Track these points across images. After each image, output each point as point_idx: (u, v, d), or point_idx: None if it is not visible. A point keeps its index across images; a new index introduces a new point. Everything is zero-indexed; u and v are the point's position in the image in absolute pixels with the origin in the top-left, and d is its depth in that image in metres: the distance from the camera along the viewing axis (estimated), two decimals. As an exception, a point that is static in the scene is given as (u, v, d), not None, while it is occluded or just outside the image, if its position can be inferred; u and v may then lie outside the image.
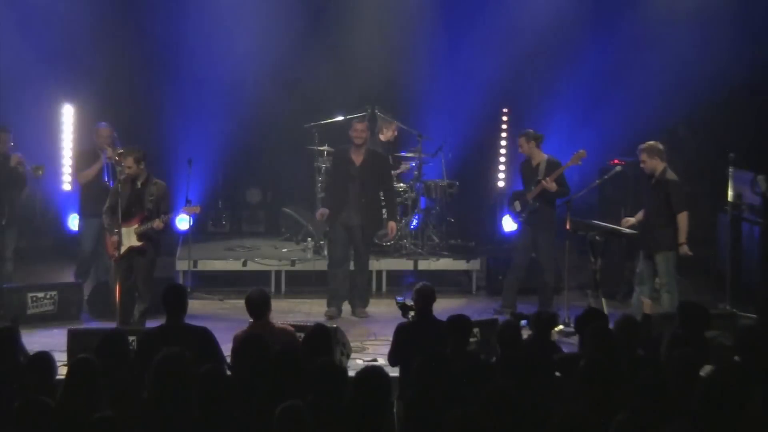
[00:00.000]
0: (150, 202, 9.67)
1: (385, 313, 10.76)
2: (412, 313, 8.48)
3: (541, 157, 10.96)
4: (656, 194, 9.98)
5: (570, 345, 9.60)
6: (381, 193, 11.17)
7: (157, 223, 9.63)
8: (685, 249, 9.85)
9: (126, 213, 9.60)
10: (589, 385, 5.96)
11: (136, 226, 9.63)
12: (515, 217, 11.20)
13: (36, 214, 13.44)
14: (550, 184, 10.61)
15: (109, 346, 6.69)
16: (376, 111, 12.78)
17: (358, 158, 10.86)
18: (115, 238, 9.65)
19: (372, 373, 5.77)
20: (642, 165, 10.03)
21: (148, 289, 9.73)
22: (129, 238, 9.63)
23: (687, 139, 13.30)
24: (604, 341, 6.77)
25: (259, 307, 7.68)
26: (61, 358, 8.45)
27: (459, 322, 7.31)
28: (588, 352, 6.64)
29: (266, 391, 6.00)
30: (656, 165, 9.95)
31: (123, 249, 9.63)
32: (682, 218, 9.85)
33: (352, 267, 11.13)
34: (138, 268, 9.72)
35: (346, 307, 11.07)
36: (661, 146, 9.98)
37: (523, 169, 11.24)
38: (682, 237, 9.83)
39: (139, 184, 9.71)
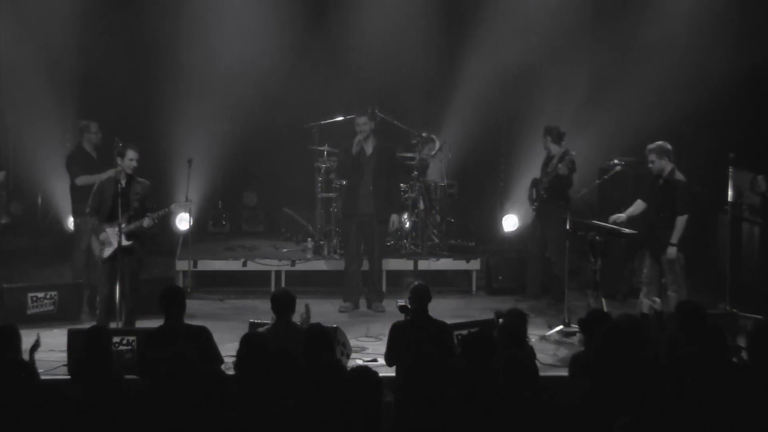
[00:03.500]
0: (136, 200, 9.59)
1: (386, 313, 10.78)
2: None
3: (557, 151, 11.47)
4: (664, 195, 9.95)
5: (570, 345, 9.62)
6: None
7: (147, 222, 9.56)
8: (672, 252, 9.82)
9: (113, 213, 9.48)
10: (594, 385, 5.96)
11: (123, 225, 9.52)
12: (531, 203, 11.76)
13: (37, 215, 13.47)
14: (563, 170, 11.18)
15: (94, 342, 6.70)
16: (377, 111, 12.80)
17: (368, 149, 11.21)
18: (102, 237, 9.58)
19: (361, 373, 5.75)
20: (650, 165, 10.00)
21: (135, 289, 9.63)
22: (117, 238, 9.47)
23: (694, 140, 13.23)
24: (610, 342, 6.73)
25: (283, 306, 7.75)
26: (61, 358, 8.51)
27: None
28: (594, 353, 6.62)
29: (266, 391, 5.99)
30: (664, 165, 9.93)
31: (110, 250, 9.52)
32: (682, 220, 9.83)
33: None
34: (126, 268, 9.55)
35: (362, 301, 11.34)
36: (669, 146, 9.96)
37: (544, 160, 11.72)
38: (675, 238, 9.82)
39: (123, 182, 9.55)
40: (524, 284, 11.89)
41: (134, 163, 9.54)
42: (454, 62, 13.84)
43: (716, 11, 12.93)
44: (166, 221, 13.31)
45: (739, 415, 5.93)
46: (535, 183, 11.70)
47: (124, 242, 9.42)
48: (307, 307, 8.48)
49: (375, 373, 5.72)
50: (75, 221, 11.28)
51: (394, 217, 11.35)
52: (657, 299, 9.88)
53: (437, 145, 12.97)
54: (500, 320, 8.26)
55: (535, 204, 11.58)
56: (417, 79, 13.95)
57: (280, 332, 7.61)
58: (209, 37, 13.35)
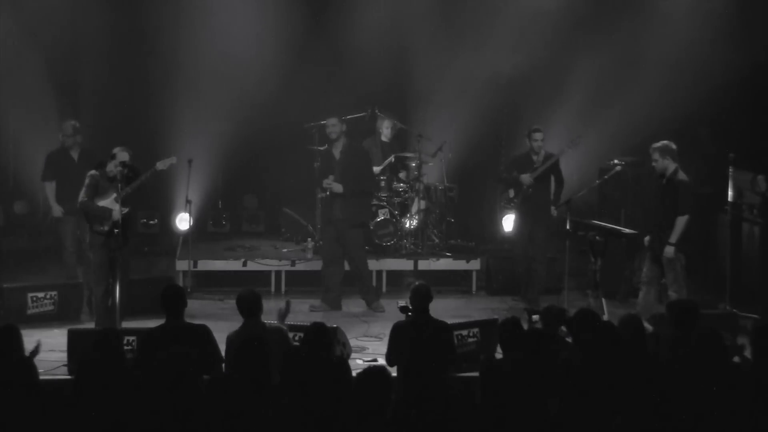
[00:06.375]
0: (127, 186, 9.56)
1: (386, 313, 10.78)
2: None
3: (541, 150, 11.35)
4: (667, 195, 9.91)
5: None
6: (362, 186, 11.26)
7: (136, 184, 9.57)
8: (670, 251, 9.79)
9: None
10: (588, 387, 5.96)
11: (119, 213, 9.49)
12: (508, 204, 11.43)
13: (37, 215, 13.46)
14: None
15: (105, 345, 6.70)
16: (376, 111, 12.82)
17: (337, 152, 11.12)
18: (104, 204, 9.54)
19: (373, 372, 5.77)
20: (653, 164, 9.95)
21: (127, 285, 9.63)
22: (117, 205, 9.51)
23: (706, 141, 13.23)
24: (606, 342, 6.73)
25: (250, 306, 7.69)
26: (61, 358, 8.51)
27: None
28: (584, 354, 6.61)
29: (267, 391, 6.00)
30: (668, 165, 9.89)
31: (108, 223, 9.51)
32: (682, 221, 9.78)
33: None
34: (120, 264, 9.54)
35: (350, 305, 11.25)
36: (674, 146, 9.92)
37: (519, 158, 11.48)
38: (674, 238, 9.79)
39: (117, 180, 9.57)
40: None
41: (120, 168, 9.50)
42: (454, 62, 13.83)
43: (716, 11, 12.94)
44: (167, 222, 13.39)
45: (740, 414, 5.94)
46: (510, 183, 11.37)
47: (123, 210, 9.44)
48: (288, 303, 8.48)
49: (388, 374, 5.74)
50: (57, 221, 11.25)
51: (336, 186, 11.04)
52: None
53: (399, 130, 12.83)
54: (533, 317, 8.27)
55: (515, 201, 11.29)
56: (417, 79, 13.94)
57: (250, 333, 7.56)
58: (209, 37, 13.35)
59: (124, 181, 9.46)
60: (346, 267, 11.31)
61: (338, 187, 10.98)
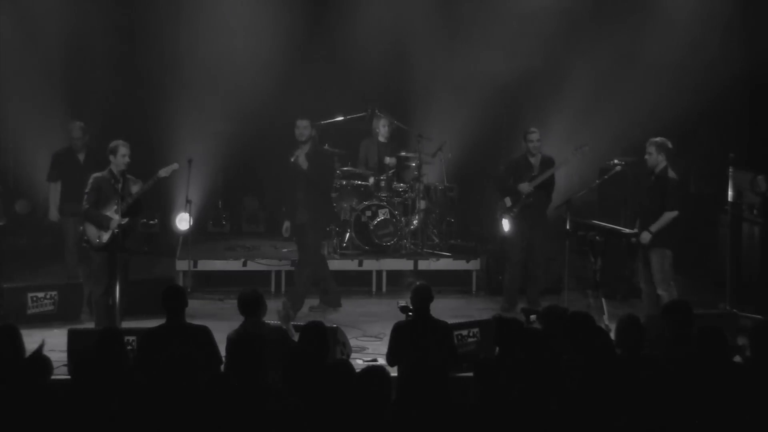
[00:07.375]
0: (131, 198, 9.56)
1: (385, 313, 10.75)
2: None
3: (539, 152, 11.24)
4: (655, 192, 9.96)
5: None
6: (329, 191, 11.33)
7: (140, 187, 9.54)
8: (645, 237, 9.80)
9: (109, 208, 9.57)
10: (587, 387, 5.96)
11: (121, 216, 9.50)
12: (506, 212, 11.27)
13: (38, 215, 13.47)
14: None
15: (107, 344, 6.70)
16: (376, 111, 12.82)
17: (301, 157, 10.90)
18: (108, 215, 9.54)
19: (373, 372, 5.77)
20: (646, 157, 9.99)
21: (128, 285, 9.67)
22: (117, 216, 9.51)
23: (707, 140, 13.22)
24: (602, 345, 6.73)
25: (250, 305, 7.69)
26: (61, 358, 8.51)
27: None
28: (584, 357, 6.60)
29: (263, 390, 6.00)
30: (659, 161, 9.93)
31: (108, 234, 9.51)
32: (669, 215, 9.82)
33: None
34: (120, 264, 9.57)
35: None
36: (670, 145, 9.96)
37: (516, 164, 11.33)
38: (655, 228, 9.80)
39: (119, 184, 9.53)
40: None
41: (126, 159, 9.52)
42: (453, 62, 13.84)
43: (716, 11, 12.94)
44: (167, 222, 13.40)
45: (740, 414, 5.94)
46: (507, 191, 11.23)
47: (123, 220, 9.44)
48: (284, 303, 8.52)
49: (388, 374, 5.74)
50: (61, 221, 11.27)
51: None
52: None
53: (386, 123, 12.77)
54: (531, 317, 8.26)
55: (514, 210, 11.15)
56: (417, 79, 13.95)
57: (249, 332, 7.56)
58: (209, 37, 13.37)
59: (125, 191, 9.47)
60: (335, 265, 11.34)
61: (304, 162, 10.79)
